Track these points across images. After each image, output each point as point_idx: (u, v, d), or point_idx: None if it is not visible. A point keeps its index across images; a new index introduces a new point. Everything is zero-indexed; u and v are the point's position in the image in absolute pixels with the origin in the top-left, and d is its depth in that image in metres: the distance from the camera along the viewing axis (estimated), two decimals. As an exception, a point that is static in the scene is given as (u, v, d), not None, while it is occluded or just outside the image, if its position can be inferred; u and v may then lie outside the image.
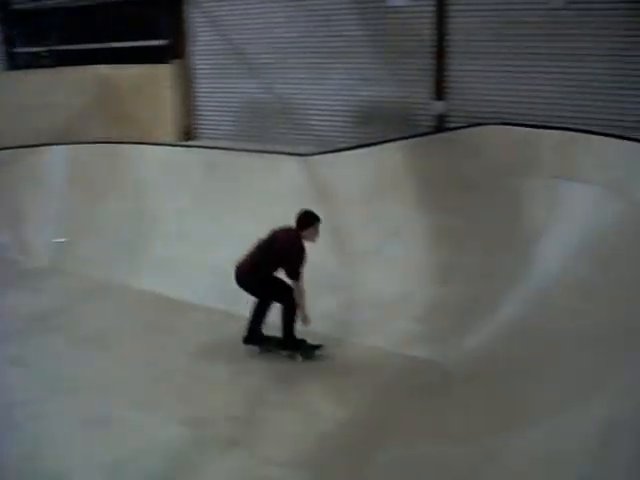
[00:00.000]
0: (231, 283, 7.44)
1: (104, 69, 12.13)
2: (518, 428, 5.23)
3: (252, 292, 7.15)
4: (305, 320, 7.02)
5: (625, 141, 7.47)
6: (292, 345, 7.20)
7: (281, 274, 7.07)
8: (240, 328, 7.35)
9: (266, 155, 9.59)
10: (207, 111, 11.69)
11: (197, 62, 11.70)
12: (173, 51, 11.77)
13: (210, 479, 5.26)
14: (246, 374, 6.89)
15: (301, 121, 10.71)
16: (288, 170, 9.29)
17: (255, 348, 7.31)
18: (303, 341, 7.19)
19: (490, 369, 6.44)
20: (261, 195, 9.17)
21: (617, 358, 5.33)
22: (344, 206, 8.63)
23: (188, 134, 11.55)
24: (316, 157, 9.30)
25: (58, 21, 13.38)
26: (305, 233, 7.04)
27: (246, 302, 7.30)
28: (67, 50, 13.50)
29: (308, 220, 7.08)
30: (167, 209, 9.88)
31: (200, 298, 8.47)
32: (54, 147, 11.51)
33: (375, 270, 8.04)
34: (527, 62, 8.98)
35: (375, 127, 9.82)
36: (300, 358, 7.17)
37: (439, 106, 9.42)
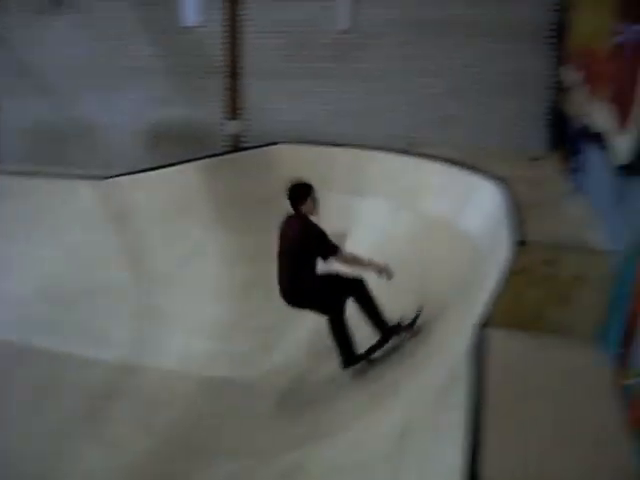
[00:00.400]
0: (24, 311, 7.14)
1: None
2: (323, 440, 5.37)
3: (316, 307, 6.23)
4: (387, 272, 6.01)
5: (410, 156, 7.95)
6: (392, 332, 6.21)
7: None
8: (32, 359, 7.01)
9: (60, 179, 9.18)
10: (-1, 133, 11.05)
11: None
12: None
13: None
14: (44, 409, 6.55)
15: (97, 143, 10.43)
16: (83, 193, 8.95)
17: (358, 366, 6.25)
18: (399, 325, 6.21)
19: (293, 385, 6.55)
20: (55, 220, 8.76)
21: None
22: (143, 228, 8.46)
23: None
24: (113, 179, 9.04)
25: None
26: (304, 208, 6.07)
27: (38, 332, 6.97)
28: None
29: (299, 193, 6.08)
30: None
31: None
32: None
33: (176, 291, 7.94)
34: (318, 82, 9.31)
35: (172, 147, 9.76)
36: (407, 336, 6.20)
37: (233, 126, 9.53)
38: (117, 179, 8.99)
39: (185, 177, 8.50)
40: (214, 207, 8.30)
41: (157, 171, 8.86)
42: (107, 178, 9.02)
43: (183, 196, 8.47)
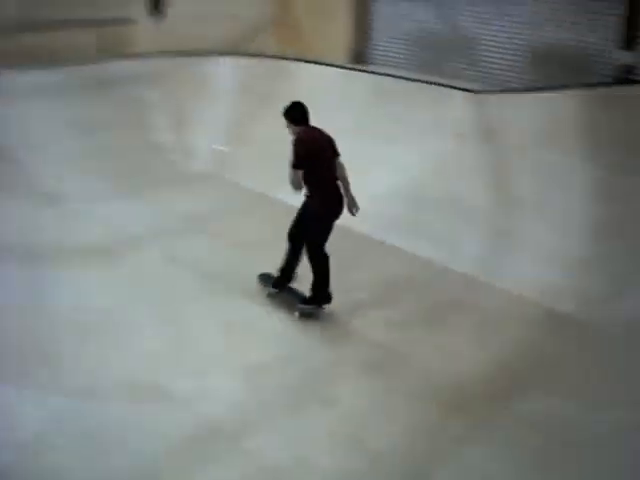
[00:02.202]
0: (385, 211, 7.48)
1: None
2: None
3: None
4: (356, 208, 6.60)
5: None
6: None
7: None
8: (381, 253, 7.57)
9: (434, 87, 9.30)
10: (380, 36, 11.40)
11: (375, -15, 11.38)
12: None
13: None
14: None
15: (475, 56, 10.31)
16: (455, 104, 8.99)
17: None
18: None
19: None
20: (424, 126, 8.95)
21: None
22: (508, 149, 8.29)
23: (358, 58, 11.33)
24: (485, 95, 8.96)
25: None
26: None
27: (389, 229, 7.85)
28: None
29: (302, 112, 6.52)
30: (327, 129, 9.77)
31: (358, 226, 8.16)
32: (225, 57, 11.77)
33: (532, 218, 7.72)
34: None
35: (551, 71, 9.31)
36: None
37: (626, 56, 8.79)
38: (491, 95, 8.90)
39: (562, 103, 7.95)
40: (589, 141, 7.75)
41: (533, 93, 8.56)
42: (482, 93, 8.96)
43: (556, 122, 7.97)
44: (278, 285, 6.83)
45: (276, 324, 6.47)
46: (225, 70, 11.64)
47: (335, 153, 6.48)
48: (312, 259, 6.39)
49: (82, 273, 7.27)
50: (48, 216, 8.63)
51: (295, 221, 6.62)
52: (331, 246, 6.46)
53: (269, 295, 6.88)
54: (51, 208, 8.89)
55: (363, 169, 8.87)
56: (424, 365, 5.89)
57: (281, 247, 6.78)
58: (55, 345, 5.89)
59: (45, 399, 5.09)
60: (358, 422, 5.14)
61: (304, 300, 6.55)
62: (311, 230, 6.40)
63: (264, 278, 7.00)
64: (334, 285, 6.52)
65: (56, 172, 9.70)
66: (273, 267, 6.89)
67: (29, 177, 9.50)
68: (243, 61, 11.62)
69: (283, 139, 10.04)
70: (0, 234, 7.89)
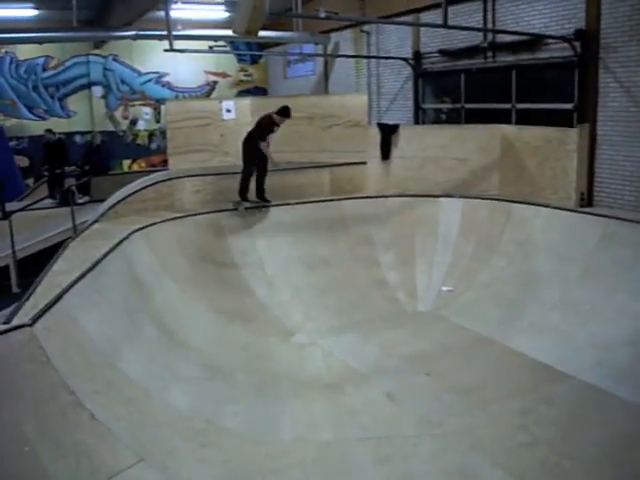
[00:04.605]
0: (610, 360, 7.07)
1: (507, 128, 12.27)
2: None
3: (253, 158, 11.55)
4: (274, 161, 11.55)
5: None
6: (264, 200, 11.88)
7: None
8: (608, 406, 6.98)
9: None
10: (607, 179, 11.18)
11: (602, 128, 11.28)
12: (578, 115, 11.53)
13: None
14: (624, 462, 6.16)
15: None
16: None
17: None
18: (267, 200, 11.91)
19: None
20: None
21: None
22: None
23: (585, 200, 11.15)
24: None
25: (463, 81, 14.24)
26: (276, 118, 11.30)
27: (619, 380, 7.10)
28: (470, 108, 14.26)
29: (284, 112, 11.25)
30: (553, 274, 9.65)
31: (574, 370, 7.89)
32: (449, 199, 12.11)
33: None
34: None
35: None
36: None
37: None
38: None
39: None
40: None
41: None
42: None
43: None
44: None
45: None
46: (449, 211, 11.89)
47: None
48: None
49: (305, 406, 7.53)
50: (277, 347, 9.16)
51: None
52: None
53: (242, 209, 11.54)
54: (279, 339, 9.45)
55: (590, 316, 8.61)
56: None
57: (505, 396, 6.54)
58: (275, 478, 6.03)
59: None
60: None
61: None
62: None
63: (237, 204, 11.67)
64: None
65: (284, 305, 10.39)
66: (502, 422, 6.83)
67: (265, 309, 10.22)
68: (467, 202, 11.84)
69: (508, 282, 10.05)
70: (236, 363, 8.44)
